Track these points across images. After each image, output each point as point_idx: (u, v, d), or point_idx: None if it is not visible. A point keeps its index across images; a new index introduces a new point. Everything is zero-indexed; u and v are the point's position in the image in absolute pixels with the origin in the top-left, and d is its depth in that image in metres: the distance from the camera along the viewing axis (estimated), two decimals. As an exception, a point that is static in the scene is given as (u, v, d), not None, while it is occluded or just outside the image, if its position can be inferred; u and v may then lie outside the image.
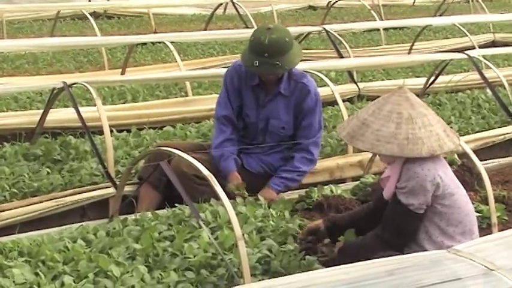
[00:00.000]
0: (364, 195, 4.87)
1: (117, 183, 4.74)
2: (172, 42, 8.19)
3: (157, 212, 4.47)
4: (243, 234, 3.64)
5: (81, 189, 4.96)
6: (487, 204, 4.43)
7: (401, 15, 15.26)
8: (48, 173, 5.15)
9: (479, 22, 12.60)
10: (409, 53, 10.03)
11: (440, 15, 13.96)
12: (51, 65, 9.58)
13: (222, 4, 12.98)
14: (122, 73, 8.14)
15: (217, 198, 3.75)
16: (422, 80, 7.98)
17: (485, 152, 6.25)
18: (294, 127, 4.95)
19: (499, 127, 6.68)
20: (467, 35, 10.14)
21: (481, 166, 4.40)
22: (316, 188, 4.87)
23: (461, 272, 2.39)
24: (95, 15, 13.04)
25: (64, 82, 5.40)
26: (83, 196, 4.91)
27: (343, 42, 8.94)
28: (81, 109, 5.30)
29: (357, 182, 5.10)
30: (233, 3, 12.26)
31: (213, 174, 3.67)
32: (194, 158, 3.82)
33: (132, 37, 9.43)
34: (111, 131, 5.50)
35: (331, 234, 3.95)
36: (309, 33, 9.77)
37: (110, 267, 3.59)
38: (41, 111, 5.83)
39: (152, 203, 4.83)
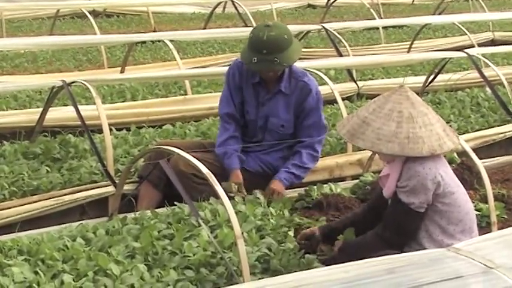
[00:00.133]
0: (364, 194, 4.87)
1: (117, 181, 4.74)
2: (171, 41, 8.19)
3: (156, 210, 4.47)
4: (242, 233, 3.64)
5: (81, 188, 4.95)
6: (487, 202, 4.43)
7: (400, 13, 15.25)
8: (47, 171, 5.15)
9: (478, 21, 12.60)
10: (408, 52, 10.03)
11: (439, 14, 13.95)
12: (51, 63, 9.58)
13: (221, 3, 12.97)
14: (121, 72, 8.15)
15: (216, 196, 3.75)
16: (421, 79, 7.97)
17: (484, 150, 6.24)
18: (295, 126, 4.96)
19: (498, 125, 6.68)
20: (466, 34, 10.14)
21: (481, 164, 4.40)
22: (315, 187, 4.87)
23: (461, 270, 2.40)
24: (95, 13, 13.02)
25: (63, 81, 5.39)
26: (83, 195, 4.91)
27: (343, 40, 8.93)
28: (80, 108, 5.29)
29: (357, 181, 5.11)
30: (232, 1, 12.24)
31: (213, 173, 3.66)
32: (194, 157, 3.81)
33: (131, 36, 9.42)
34: (111, 130, 5.50)
35: (327, 239, 3.95)
36: (308, 31, 9.76)
37: (110, 265, 3.59)
38: (41, 109, 5.82)
39: (152, 202, 4.83)
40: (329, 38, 8.92)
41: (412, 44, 10.14)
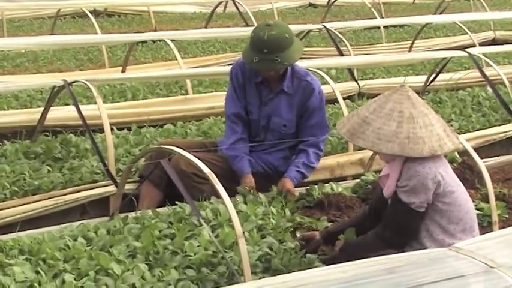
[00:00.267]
0: (365, 193, 4.87)
1: (118, 181, 4.75)
2: (172, 40, 8.19)
3: (157, 210, 4.47)
4: (243, 232, 3.64)
5: (82, 187, 4.96)
6: (488, 202, 4.43)
7: (401, 13, 15.24)
8: (48, 171, 5.15)
9: (479, 20, 12.60)
10: (409, 51, 10.02)
11: (440, 13, 13.94)
12: (52, 63, 9.58)
13: (222, 2, 12.96)
14: (123, 71, 8.15)
15: (217, 196, 3.75)
16: (422, 78, 7.98)
17: (485, 150, 6.24)
18: (297, 125, 4.95)
19: (499, 125, 6.67)
20: (467, 33, 10.12)
21: (482, 164, 4.40)
22: (316, 186, 4.87)
23: (462, 270, 2.39)
24: (95, 13, 13.02)
25: (64, 80, 5.40)
26: (84, 194, 4.91)
27: (344, 40, 8.93)
28: (81, 107, 5.30)
29: (358, 180, 5.11)
30: (233, 1, 12.24)
31: (214, 173, 3.66)
32: (195, 156, 3.81)
33: (132, 35, 9.43)
34: (112, 129, 5.50)
35: (328, 242, 3.95)
36: (309, 31, 9.76)
37: (111, 265, 3.59)
38: (42, 109, 5.83)
39: (153, 201, 4.82)
40: (330, 38, 8.92)
41: (413, 43, 10.13)
